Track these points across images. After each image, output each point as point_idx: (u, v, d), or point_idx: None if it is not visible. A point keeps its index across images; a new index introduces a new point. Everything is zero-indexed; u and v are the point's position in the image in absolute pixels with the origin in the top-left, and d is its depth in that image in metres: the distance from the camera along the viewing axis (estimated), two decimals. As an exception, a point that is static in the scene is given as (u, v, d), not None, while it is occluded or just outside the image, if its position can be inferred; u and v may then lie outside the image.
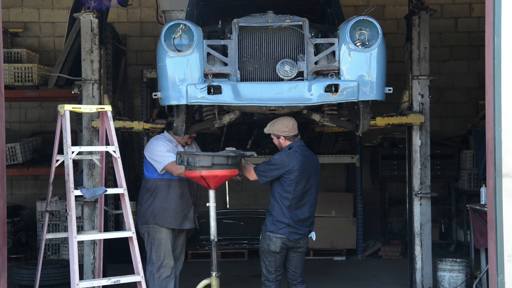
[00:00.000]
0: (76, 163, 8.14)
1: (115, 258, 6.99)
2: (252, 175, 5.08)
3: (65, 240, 8.34)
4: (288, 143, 5.01)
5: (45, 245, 8.36)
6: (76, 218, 8.05)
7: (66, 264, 6.50)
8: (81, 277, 6.54)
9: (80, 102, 6.65)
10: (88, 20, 6.22)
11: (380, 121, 6.10)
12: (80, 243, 8.29)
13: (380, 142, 9.32)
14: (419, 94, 6.28)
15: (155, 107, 9.52)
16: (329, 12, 6.46)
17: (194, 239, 9.30)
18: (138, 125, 6.23)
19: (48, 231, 8.45)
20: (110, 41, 7.90)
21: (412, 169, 6.35)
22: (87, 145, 6.04)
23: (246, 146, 8.05)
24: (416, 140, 6.27)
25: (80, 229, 8.36)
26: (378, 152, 9.15)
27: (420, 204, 6.28)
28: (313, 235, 5.13)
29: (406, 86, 6.44)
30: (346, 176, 9.67)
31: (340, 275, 7.72)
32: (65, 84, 8.25)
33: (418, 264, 6.25)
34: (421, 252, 6.26)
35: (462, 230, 8.83)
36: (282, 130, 4.98)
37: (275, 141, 5.07)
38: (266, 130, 5.06)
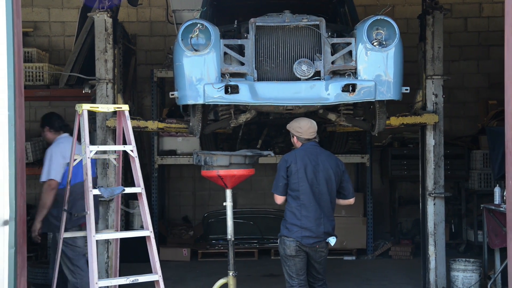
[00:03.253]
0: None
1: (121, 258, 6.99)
2: (276, 199, 5.01)
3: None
4: (299, 144, 4.95)
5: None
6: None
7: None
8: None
9: (93, 101, 6.65)
10: (102, 19, 6.22)
11: (394, 121, 6.09)
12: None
13: (389, 142, 9.31)
14: (433, 93, 6.28)
15: (165, 107, 9.55)
16: (342, 11, 6.46)
17: (203, 239, 9.31)
18: (152, 125, 6.22)
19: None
20: (121, 40, 7.91)
21: (425, 169, 6.35)
22: (101, 144, 6.04)
23: (256, 146, 8.05)
24: (430, 140, 6.26)
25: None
26: (388, 152, 9.14)
27: (434, 204, 6.28)
28: (330, 240, 4.95)
29: (420, 86, 6.43)
30: (355, 175, 9.67)
31: (351, 275, 7.72)
32: (76, 84, 8.26)
33: (432, 264, 6.24)
34: (434, 252, 6.25)
35: (472, 230, 8.82)
36: (295, 130, 4.93)
37: (292, 139, 5.05)
38: (287, 126, 5.02)
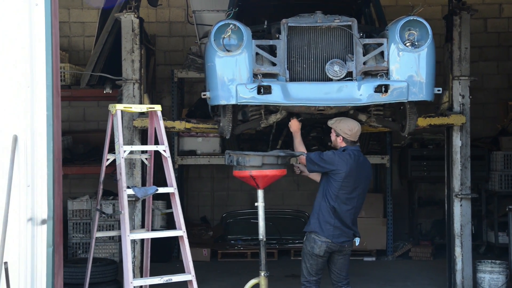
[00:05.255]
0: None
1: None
2: (301, 159, 5.06)
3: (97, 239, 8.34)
4: (343, 144, 4.98)
5: (76, 244, 8.55)
6: (110, 216, 8.25)
7: (106, 262, 6.54)
8: (121, 276, 6.59)
9: (119, 101, 6.65)
10: (129, 20, 6.24)
11: (422, 122, 6.09)
12: (110, 240, 8.44)
13: (409, 143, 9.30)
14: (460, 94, 6.27)
15: (184, 107, 9.56)
16: (367, 12, 6.46)
17: (222, 239, 9.32)
18: (179, 125, 6.23)
19: (79, 231, 8.51)
20: (142, 41, 7.93)
21: (452, 170, 6.33)
22: (127, 144, 6.05)
23: (276, 146, 8.05)
24: (457, 141, 6.26)
25: (111, 227, 8.48)
26: (407, 153, 9.13)
27: (461, 205, 6.27)
28: (357, 240, 5.08)
29: (446, 87, 6.42)
30: (375, 176, 9.66)
31: (373, 276, 7.70)
32: (97, 84, 8.28)
33: (459, 266, 6.23)
34: (461, 253, 6.24)
35: (492, 231, 8.79)
36: (344, 131, 4.94)
37: (333, 137, 5.04)
38: (331, 123, 5.01)
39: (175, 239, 8.74)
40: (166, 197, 8.57)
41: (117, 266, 6.83)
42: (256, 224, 9.39)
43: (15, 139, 4.16)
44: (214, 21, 8.54)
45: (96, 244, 8.39)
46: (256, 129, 5.57)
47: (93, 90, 8.54)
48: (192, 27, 8.84)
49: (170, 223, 8.98)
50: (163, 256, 8.49)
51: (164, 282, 4.57)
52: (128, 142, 6.23)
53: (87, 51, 9.44)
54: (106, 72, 7.47)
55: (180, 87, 9.38)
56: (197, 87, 9.78)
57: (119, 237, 8.50)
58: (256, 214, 9.43)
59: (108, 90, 8.27)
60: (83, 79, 8.29)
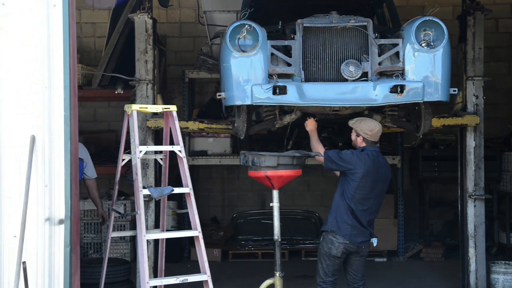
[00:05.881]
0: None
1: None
2: (318, 159, 5.06)
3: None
4: (363, 144, 4.97)
5: (87, 244, 8.57)
6: (121, 216, 8.27)
7: (119, 262, 6.55)
8: (133, 276, 6.61)
9: (132, 102, 6.67)
10: (142, 20, 6.25)
11: (435, 122, 6.07)
12: (121, 240, 8.46)
13: (420, 143, 9.27)
14: (474, 95, 6.26)
15: (194, 107, 9.57)
16: (380, 12, 6.45)
17: (232, 239, 9.33)
18: (193, 125, 6.25)
19: (90, 231, 8.54)
20: (155, 41, 7.94)
21: (465, 170, 6.31)
22: (140, 145, 6.05)
23: (287, 147, 8.05)
24: (471, 142, 6.24)
25: (123, 228, 8.50)
26: (418, 153, 9.11)
27: (475, 206, 6.25)
28: (374, 240, 5.08)
29: (459, 87, 6.39)
30: (385, 177, 9.63)
31: (385, 277, 7.69)
32: (108, 84, 8.30)
33: (472, 267, 6.21)
34: (475, 254, 6.22)
35: (504, 232, 8.76)
36: (364, 132, 4.93)
37: (353, 136, 5.03)
38: (351, 123, 4.99)
39: (186, 240, 8.77)
40: (177, 197, 8.62)
41: (130, 266, 6.84)
42: (266, 225, 9.47)
43: (33, 139, 4.18)
44: (225, 21, 8.61)
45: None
46: (270, 129, 5.56)
47: (104, 91, 8.56)
48: (203, 28, 8.84)
49: (181, 223, 9.00)
50: (173, 257, 8.50)
51: (180, 282, 4.58)
52: (142, 142, 6.23)
53: (98, 52, 9.46)
54: (117, 73, 7.49)
55: (190, 88, 9.39)
56: (208, 87, 9.79)
57: (130, 237, 8.57)
58: (266, 214, 9.56)
59: (119, 91, 8.29)
60: (95, 80, 8.31)
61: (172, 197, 8.04)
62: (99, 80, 8.26)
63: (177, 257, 8.70)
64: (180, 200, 8.94)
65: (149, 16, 6.28)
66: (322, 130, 7.14)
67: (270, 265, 8.28)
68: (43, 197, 4.19)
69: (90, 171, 5.98)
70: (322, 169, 9.83)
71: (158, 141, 6.75)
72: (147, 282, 4.41)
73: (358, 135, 4.98)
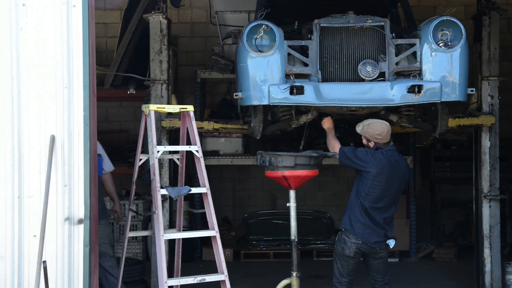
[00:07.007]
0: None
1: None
2: (335, 150, 5.05)
3: (119, 238, 8.39)
4: (376, 146, 4.98)
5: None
6: (137, 216, 8.28)
7: (133, 262, 6.58)
8: (147, 275, 6.62)
9: (147, 102, 6.69)
10: (157, 21, 6.26)
11: (451, 122, 6.05)
12: (134, 240, 8.47)
13: (431, 144, 9.25)
14: (489, 95, 6.24)
15: (206, 107, 9.58)
16: (394, 12, 6.44)
17: (244, 240, 9.33)
18: (208, 125, 6.25)
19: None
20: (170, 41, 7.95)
21: (480, 171, 6.29)
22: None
23: (298, 147, 8.04)
24: (486, 142, 6.22)
25: (135, 228, 8.52)
26: (430, 154, 9.09)
27: (490, 206, 6.23)
28: (391, 242, 5.04)
29: (475, 87, 6.37)
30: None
31: (398, 277, 7.66)
32: (121, 85, 8.32)
33: (487, 267, 6.19)
34: (490, 255, 6.20)
35: (517, 233, 8.74)
36: (374, 137, 4.94)
37: (364, 141, 5.03)
38: (359, 130, 5.00)
39: (197, 240, 8.77)
40: (189, 197, 8.61)
41: (143, 265, 6.86)
42: (278, 225, 9.48)
43: (53, 139, 4.20)
44: (236, 21, 8.63)
45: (120, 244, 8.49)
46: (287, 129, 5.56)
47: (116, 91, 8.58)
48: (214, 28, 8.87)
49: (192, 223, 9.01)
50: (186, 256, 8.50)
51: (198, 282, 4.58)
52: (157, 142, 6.23)
53: (110, 52, 9.48)
54: (130, 73, 7.51)
55: (202, 88, 9.40)
56: (219, 87, 9.80)
57: (143, 237, 8.58)
58: (277, 215, 9.56)
59: (132, 91, 8.32)
60: (107, 80, 8.33)
61: (184, 197, 8.09)
62: (112, 80, 8.28)
63: (190, 256, 8.71)
64: (192, 200, 8.95)
65: (164, 16, 6.28)
66: (334, 130, 7.14)
67: (282, 265, 8.32)
68: (63, 196, 4.21)
69: (107, 165, 5.87)
70: (333, 169, 9.83)
71: (172, 141, 6.76)
72: (165, 282, 4.42)
73: (368, 140, 4.98)
